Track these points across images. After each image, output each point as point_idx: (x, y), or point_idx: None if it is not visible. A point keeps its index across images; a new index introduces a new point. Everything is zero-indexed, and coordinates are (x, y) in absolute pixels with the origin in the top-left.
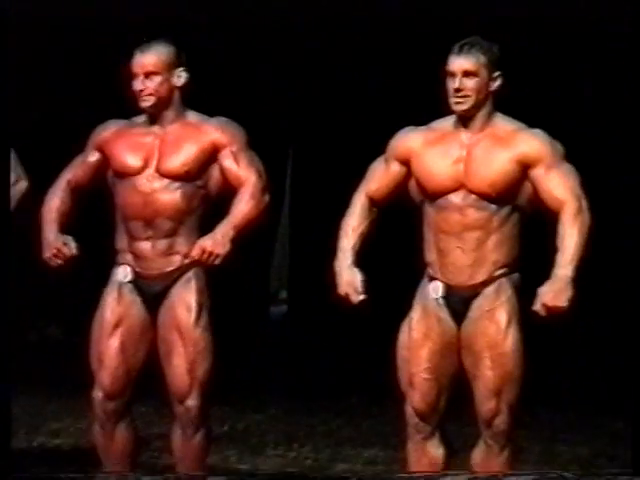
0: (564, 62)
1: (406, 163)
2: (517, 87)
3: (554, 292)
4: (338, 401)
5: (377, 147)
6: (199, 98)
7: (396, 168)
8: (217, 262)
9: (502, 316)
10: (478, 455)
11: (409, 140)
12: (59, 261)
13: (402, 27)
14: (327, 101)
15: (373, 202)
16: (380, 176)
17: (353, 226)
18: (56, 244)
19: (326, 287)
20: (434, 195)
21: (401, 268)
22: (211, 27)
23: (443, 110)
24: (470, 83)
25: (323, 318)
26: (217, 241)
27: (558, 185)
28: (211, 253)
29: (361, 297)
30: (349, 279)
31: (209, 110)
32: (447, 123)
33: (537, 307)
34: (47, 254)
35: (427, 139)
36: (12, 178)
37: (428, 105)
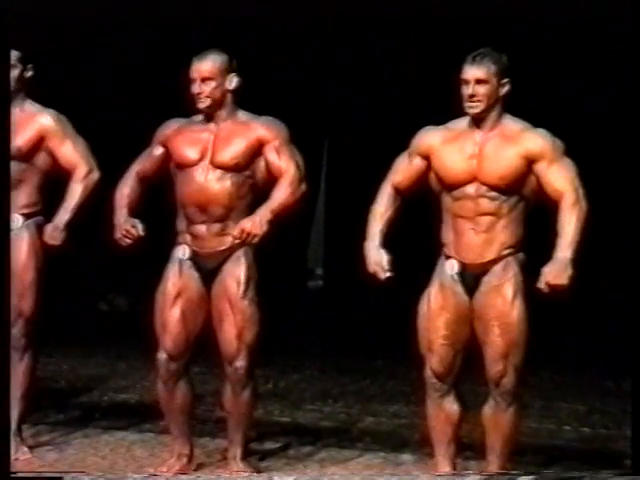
0: (564, 62)
1: (427, 158)
2: (523, 88)
3: (555, 272)
4: (366, 363)
5: (402, 141)
6: (244, 97)
7: (418, 162)
8: (255, 241)
9: (509, 290)
10: (488, 411)
11: (429, 138)
12: (128, 241)
13: (433, 26)
14: (358, 99)
15: (398, 191)
16: (404, 169)
17: (380, 212)
18: (126, 226)
19: (357, 265)
20: (451, 186)
21: (419, 249)
22: (244, 29)
23: (459, 111)
24: (482, 90)
25: (353, 292)
26: (255, 223)
27: (558, 178)
28: (249, 233)
29: (388, 274)
30: (377, 259)
31: (252, 108)
32: (462, 123)
33: (541, 285)
34: (118, 235)
35: (445, 137)
36: (86, 169)
37: (448, 105)
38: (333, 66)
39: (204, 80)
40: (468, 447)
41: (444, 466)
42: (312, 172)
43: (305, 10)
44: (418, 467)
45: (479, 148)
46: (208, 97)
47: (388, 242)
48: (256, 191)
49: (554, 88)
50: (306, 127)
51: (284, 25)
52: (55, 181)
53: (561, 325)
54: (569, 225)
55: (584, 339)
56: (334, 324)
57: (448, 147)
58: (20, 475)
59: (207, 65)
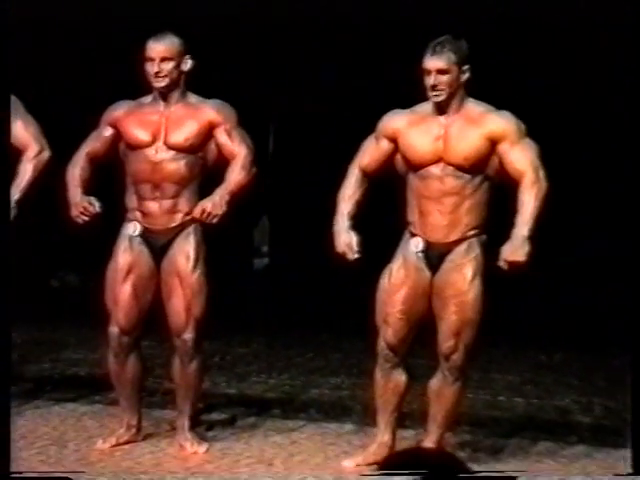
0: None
1: (393, 140)
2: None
3: (513, 249)
4: (311, 338)
5: (346, 126)
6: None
7: (385, 145)
8: (215, 221)
9: (469, 270)
10: (435, 384)
11: (396, 121)
12: (85, 218)
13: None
14: (303, 84)
15: (365, 174)
16: (371, 151)
17: (349, 194)
18: (82, 204)
19: (301, 243)
20: (418, 167)
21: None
22: (197, 20)
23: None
24: (444, 79)
25: (298, 268)
26: (215, 203)
27: (519, 158)
28: (210, 213)
29: (356, 255)
30: (346, 240)
31: (201, 91)
32: (427, 107)
33: (500, 262)
34: (75, 213)
35: (410, 120)
36: (36, 148)
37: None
38: (279, 55)
39: (163, 60)
40: (407, 416)
41: (383, 433)
42: (258, 154)
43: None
44: (359, 436)
45: (444, 130)
46: (166, 76)
47: (357, 223)
48: (205, 171)
49: (520, 74)
50: (252, 111)
51: (234, 12)
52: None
53: (496, 301)
54: (528, 204)
55: (518, 314)
56: (279, 300)
57: (414, 129)
58: (20, 475)
59: (166, 45)
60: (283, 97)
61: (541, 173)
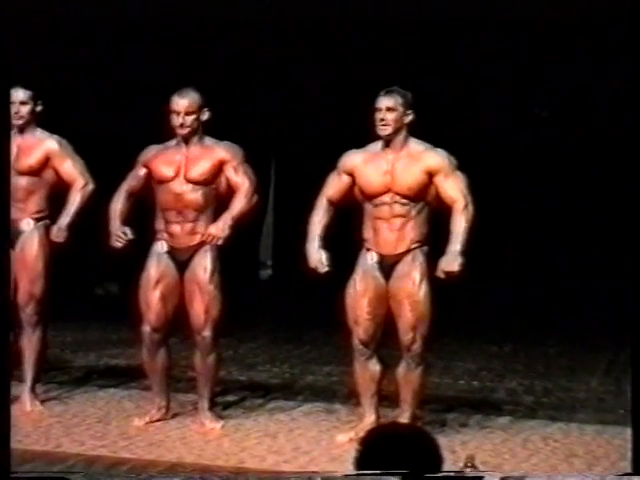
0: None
1: (351, 175)
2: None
3: (448, 261)
4: (306, 334)
5: (333, 156)
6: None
7: (345, 179)
8: (219, 242)
9: (416, 275)
10: (401, 370)
11: (352, 159)
12: (120, 244)
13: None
14: (300, 122)
15: (331, 203)
16: (334, 185)
17: (318, 220)
18: (118, 233)
19: (300, 257)
20: (371, 197)
21: (342, 245)
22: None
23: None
24: (390, 116)
25: (297, 278)
26: (219, 227)
27: (452, 188)
28: (214, 236)
29: (326, 269)
30: (317, 257)
31: (213, 132)
32: (377, 146)
33: (438, 273)
34: (113, 240)
35: (364, 158)
36: (82, 182)
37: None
38: (280, 95)
39: (186, 113)
40: (385, 398)
41: (369, 414)
42: (262, 182)
43: (252, 40)
44: (347, 413)
45: (391, 166)
46: (189, 127)
47: (326, 243)
48: (219, 199)
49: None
50: (256, 146)
51: (238, 59)
52: (59, 192)
53: (456, 302)
54: (459, 225)
55: (475, 313)
56: (281, 304)
57: (367, 166)
58: (20, 475)
59: (189, 101)
60: (284, 134)
61: (470, 200)
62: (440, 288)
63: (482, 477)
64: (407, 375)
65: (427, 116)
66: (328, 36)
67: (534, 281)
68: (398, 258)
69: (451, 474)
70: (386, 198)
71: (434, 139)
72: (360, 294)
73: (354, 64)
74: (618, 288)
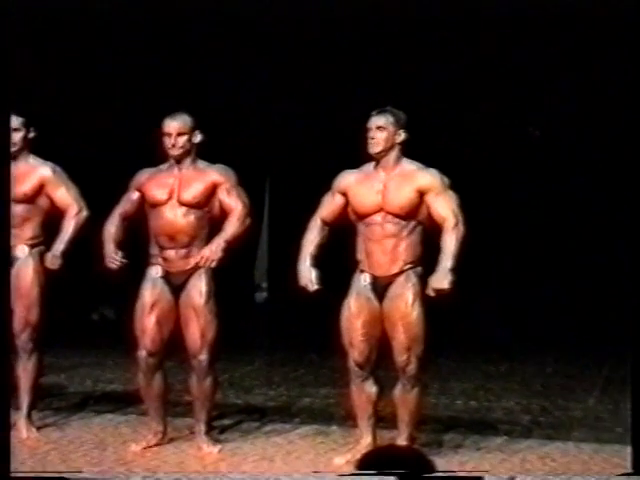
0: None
1: (345, 195)
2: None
3: (438, 279)
4: (303, 357)
5: (325, 179)
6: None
7: (339, 199)
8: (212, 265)
9: (409, 296)
10: (397, 392)
11: (346, 179)
12: (115, 267)
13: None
14: (293, 148)
15: (325, 222)
16: (328, 204)
17: (311, 239)
18: (113, 256)
19: (295, 279)
20: (363, 216)
21: (338, 268)
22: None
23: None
24: (380, 134)
25: (292, 300)
26: (212, 251)
27: (443, 207)
28: (208, 259)
29: (316, 287)
30: (307, 275)
31: (207, 155)
32: (370, 166)
33: (428, 291)
34: (108, 262)
35: (358, 178)
36: (77, 208)
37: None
38: (272, 117)
39: (178, 135)
40: (382, 419)
41: (366, 436)
42: (257, 204)
43: (245, 61)
44: (343, 436)
45: (383, 185)
46: (181, 147)
47: (318, 262)
48: (213, 223)
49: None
50: (251, 169)
51: (231, 80)
52: (54, 219)
53: (452, 322)
54: (450, 243)
55: (471, 333)
56: (277, 327)
57: (360, 186)
58: (20, 475)
59: (181, 122)
60: (276, 158)
61: (460, 218)
62: (436, 308)
63: (482, 477)
64: (403, 396)
65: (421, 135)
66: (323, 56)
67: (530, 300)
68: (391, 279)
69: (449, 474)
70: (378, 217)
71: (427, 158)
72: (354, 316)
73: (349, 84)
74: (614, 306)
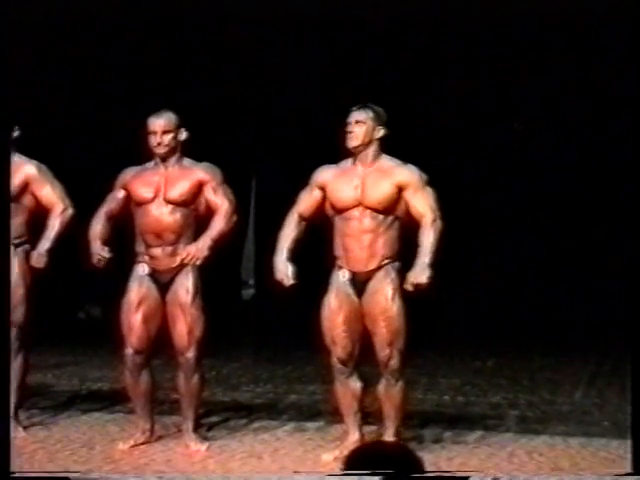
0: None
1: (323, 190)
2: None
3: (416, 274)
4: (289, 354)
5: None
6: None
7: (317, 193)
8: (198, 262)
9: (389, 291)
10: (381, 387)
11: (324, 174)
12: (102, 264)
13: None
14: (279, 144)
15: (302, 217)
16: (306, 199)
17: (287, 233)
18: (99, 253)
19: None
20: (341, 210)
21: (317, 263)
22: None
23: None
24: (358, 128)
25: (279, 298)
26: (198, 248)
27: (421, 202)
28: (193, 256)
29: (292, 282)
30: (283, 269)
31: (195, 154)
32: (348, 162)
33: (406, 286)
34: (94, 260)
35: (336, 173)
36: (62, 206)
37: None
38: (258, 115)
39: (163, 133)
40: (369, 415)
41: (353, 432)
42: (242, 202)
43: (231, 59)
44: (331, 432)
45: (362, 180)
46: (167, 145)
47: (294, 257)
48: (199, 221)
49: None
50: (236, 167)
51: (217, 78)
52: (39, 217)
53: (438, 317)
54: (427, 238)
55: (457, 328)
56: (264, 324)
57: (339, 180)
58: (20, 475)
59: (165, 120)
60: (263, 156)
61: (438, 214)
62: (422, 304)
63: (468, 477)
64: (388, 391)
65: (403, 131)
66: (309, 55)
67: (516, 295)
68: (370, 275)
69: (438, 474)
70: (356, 212)
71: (409, 155)
72: (335, 313)
73: (335, 83)
74: (600, 301)
